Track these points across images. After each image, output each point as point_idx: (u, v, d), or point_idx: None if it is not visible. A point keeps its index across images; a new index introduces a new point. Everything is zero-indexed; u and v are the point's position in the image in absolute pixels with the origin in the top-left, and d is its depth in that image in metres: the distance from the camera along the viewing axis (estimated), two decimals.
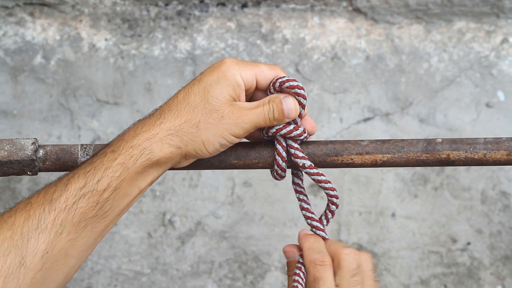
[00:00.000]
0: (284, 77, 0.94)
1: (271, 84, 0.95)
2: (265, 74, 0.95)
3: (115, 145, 0.90)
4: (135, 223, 1.94)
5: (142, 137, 0.90)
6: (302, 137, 0.97)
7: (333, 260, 0.95)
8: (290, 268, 0.98)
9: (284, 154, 0.97)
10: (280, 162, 0.97)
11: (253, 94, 0.97)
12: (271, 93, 0.96)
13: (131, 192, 0.91)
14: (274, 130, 0.96)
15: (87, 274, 1.91)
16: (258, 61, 2.01)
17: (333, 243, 0.98)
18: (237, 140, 0.93)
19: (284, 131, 0.96)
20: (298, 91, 0.94)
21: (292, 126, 0.96)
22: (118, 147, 0.90)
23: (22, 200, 0.90)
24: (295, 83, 0.94)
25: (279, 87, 0.95)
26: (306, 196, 1.01)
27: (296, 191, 1.01)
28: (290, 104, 0.94)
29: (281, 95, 0.94)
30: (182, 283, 1.91)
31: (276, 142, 0.97)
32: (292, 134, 0.96)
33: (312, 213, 1.00)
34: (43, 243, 0.86)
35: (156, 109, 0.93)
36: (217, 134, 0.91)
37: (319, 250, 0.96)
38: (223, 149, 0.94)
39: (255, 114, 0.92)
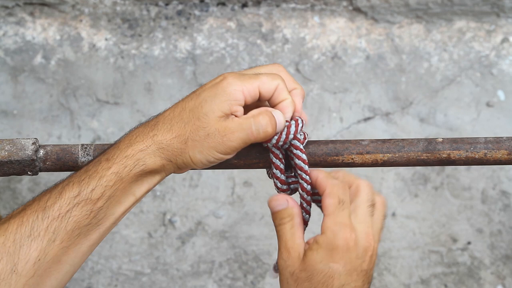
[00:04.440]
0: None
1: None
2: (267, 85, 0.92)
3: (110, 153, 0.90)
4: (135, 223, 1.93)
5: (136, 148, 0.90)
6: (304, 144, 0.96)
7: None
8: (282, 216, 0.93)
9: (283, 162, 0.96)
10: (278, 163, 0.97)
11: (256, 105, 0.95)
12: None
13: (125, 200, 0.91)
14: (274, 142, 0.94)
15: (88, 274, 1.91)
16: (258, 63, 2.01)
17: (346, 174, 0.98)
18: (226, 157, 0.91)
19: (286, 144, 0.94)
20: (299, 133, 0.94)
21: (291, 135, 0.94)
22: (113, 155, 0.90)
23: (19, 207, 0.90)
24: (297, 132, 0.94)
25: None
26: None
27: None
28: (279, 117, 0.92)
29: (266, 110, 0.92)
30: (183, 283, 1.91)
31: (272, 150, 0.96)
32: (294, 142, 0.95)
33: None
34: (35, 250, 0.86)
35: (154, 117, 0.93)
36: (203, 152, 0.90)
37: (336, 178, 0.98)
38: (213, 164, 0.92)
39: (242, 131, 0.90)
